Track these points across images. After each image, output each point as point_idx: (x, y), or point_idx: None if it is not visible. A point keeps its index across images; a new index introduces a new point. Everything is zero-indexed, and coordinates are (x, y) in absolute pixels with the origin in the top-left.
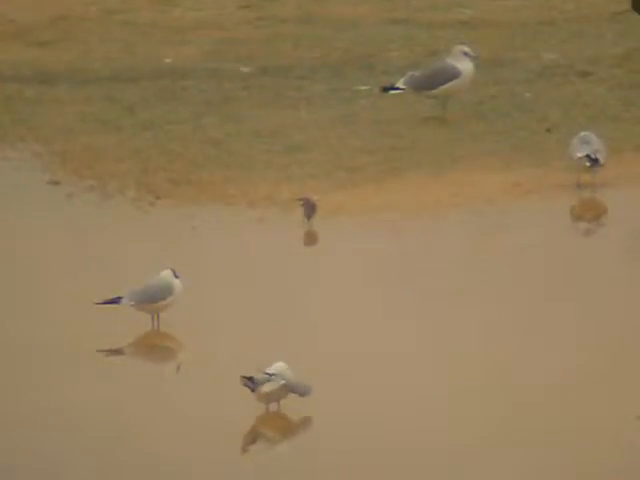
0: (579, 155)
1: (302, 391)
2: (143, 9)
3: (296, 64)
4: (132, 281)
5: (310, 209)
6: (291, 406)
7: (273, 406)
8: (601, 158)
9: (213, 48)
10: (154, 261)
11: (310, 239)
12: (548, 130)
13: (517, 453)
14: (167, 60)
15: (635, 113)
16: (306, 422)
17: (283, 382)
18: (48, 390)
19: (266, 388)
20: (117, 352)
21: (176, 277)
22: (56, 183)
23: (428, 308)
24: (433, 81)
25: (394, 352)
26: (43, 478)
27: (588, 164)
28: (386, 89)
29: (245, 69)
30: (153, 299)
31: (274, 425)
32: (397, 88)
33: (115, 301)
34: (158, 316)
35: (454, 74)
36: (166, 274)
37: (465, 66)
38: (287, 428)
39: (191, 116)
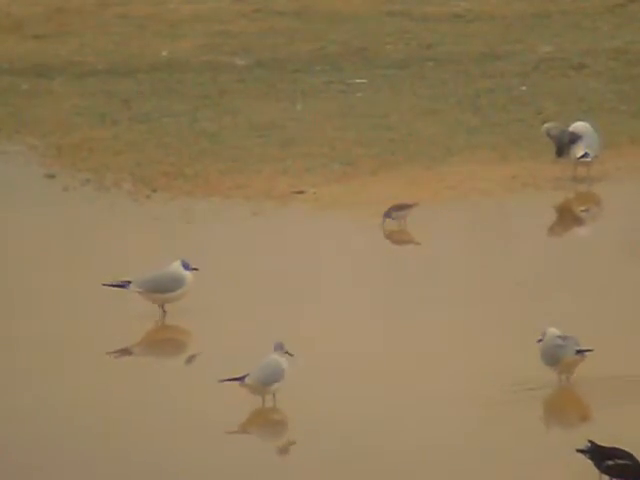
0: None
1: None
2: (139, 2)
3: (292, 57)
4: (129, 273)
5: None
6: (287, 402)
7: (268, 400)
8: (592, 152)
9: (209, 41)
10: (150, 253)
11: None
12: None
13: (509, 451)
14: (163, 53)
15: (631, 106)
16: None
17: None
18: (49, 384)
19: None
20: (123, 350)
21: (187, 269)
22: (52, 176)
23: (425, 301)
24: None
25: (391, 346)
26: (43, 470)
27: (579, 158)
28: None
29: (241, 62)
30: (161, 290)
31: (268, 419)
32: None
33: (122, 285)
34: (164, 308)
35: None
36: (176, 266)
37: None
38: (281, 422)
39: (187, 109)
